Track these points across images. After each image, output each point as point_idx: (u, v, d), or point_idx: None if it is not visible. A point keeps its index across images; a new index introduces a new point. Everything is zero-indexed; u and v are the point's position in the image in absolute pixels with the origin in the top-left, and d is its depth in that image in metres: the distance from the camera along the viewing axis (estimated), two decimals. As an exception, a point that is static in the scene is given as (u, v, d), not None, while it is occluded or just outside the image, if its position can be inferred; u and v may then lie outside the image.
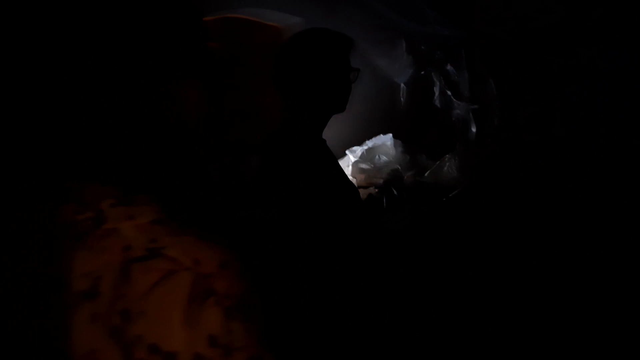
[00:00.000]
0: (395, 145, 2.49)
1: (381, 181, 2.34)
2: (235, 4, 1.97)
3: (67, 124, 0.52)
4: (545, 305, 2.05)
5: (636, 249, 2.10)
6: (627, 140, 2.43)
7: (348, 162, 2.42)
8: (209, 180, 1.49)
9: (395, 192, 2.25)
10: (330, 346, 1.21)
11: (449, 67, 2.59)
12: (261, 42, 1.84)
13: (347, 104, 1.35)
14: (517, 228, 2.28)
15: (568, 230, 2.25)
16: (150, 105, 0.55)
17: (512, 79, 2.62)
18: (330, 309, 1.21)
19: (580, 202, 2.32)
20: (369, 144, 2.49)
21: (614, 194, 2.31)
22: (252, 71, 1.80)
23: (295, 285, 1.20)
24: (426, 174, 2.45)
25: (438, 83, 2.59)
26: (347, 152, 2.46)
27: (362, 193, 2.20)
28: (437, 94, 2.61)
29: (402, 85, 2.65)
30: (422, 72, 2.62)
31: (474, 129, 2.56)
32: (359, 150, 2.46)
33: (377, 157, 2.44)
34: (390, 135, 2.51)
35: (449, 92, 2.59)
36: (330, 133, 1.40)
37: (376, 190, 2.30)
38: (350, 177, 2.31)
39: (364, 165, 2.40)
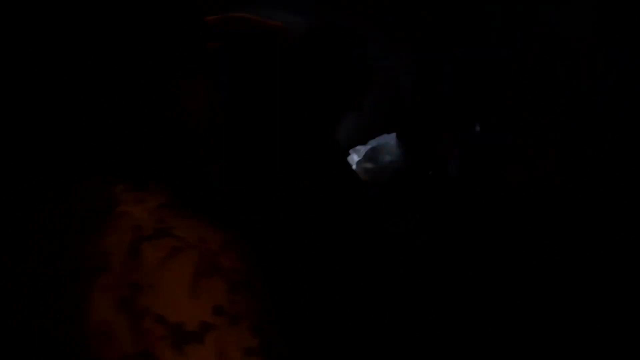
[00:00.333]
0: (399, 144, 2.50)
1: (385, 181, 2.35)
2: (236, 3, 1.96)
3: (67, 123, 0.52)
4: (545, 305, 2.05)
5: (636, 249, 2.10)
6: (627, 140, 2.43)
7: (352, 162, 2.43)
8: (209, 181, 1.49)
9: (399, 192, 2.25)
10: (331, 346, 1.21)
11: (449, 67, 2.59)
12: (266, 41, 1.84)
13: (362, 103, 1.34)
14: (517, 228, 2.28)
15: (568, 230, 2.25)
16: (150, 105, 0.55)
17: (513, 79, 2.61)
18: (330, 309, 1.21)
19: (580, 202, 2.32)
20: (373, 143, 2.49)
21: (614, 194, 2.31)
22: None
23: (295, 285, 1.20)
24: (429, 174, 2.45)
25: (441, 82, 2.59)
26: (350, 151, 2.47)
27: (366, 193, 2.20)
28: (441, 93, 2.61)
29: (407, 82, 2.65)
30: (425, 72, 2.62)
31: (476, 129, 2.56)
32: (362, 149, 2.47)
33: (380, 156, 2.44)
34: (394, 134, 2.52)
35: (451, 92, 2.59)
36: (335, 132, 1.40)
37: (379, 189, 2.30)
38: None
39: (367, 165, 2.41)
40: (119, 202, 0.55)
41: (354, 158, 2.42)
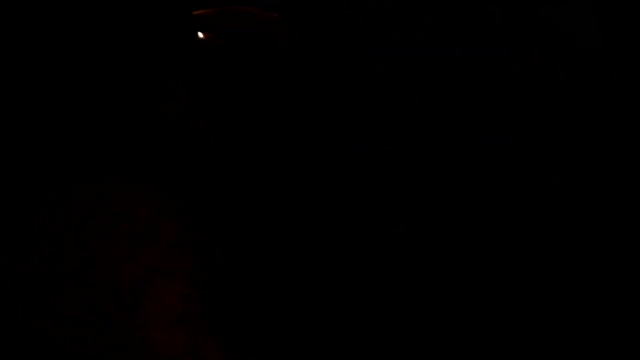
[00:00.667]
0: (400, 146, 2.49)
1: (383, 180, 2.34)
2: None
3: (67, 123, 0.52)
4: (545, 305, 2.05)
5: (636, 249, 2.10)
6: (627, 140, 2.44)
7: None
8: (209, 181, 1.49)
9: (399, 192, 2.25)
10: (330, 346, 1.21)
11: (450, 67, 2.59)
12: (259, 32, 1.84)
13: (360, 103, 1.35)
14: (517, 228, 2.28)
15: (568, 230, 2.25)
16: (150, 105, 0.55)
17: (513, 79, 2.62)
18: (330, 309, 1.21)
19: (580, 202, 2.32)
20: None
21: (614, 194, 2.32)
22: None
23: (295, 285, 1.20)
24: (428, 174, 2.44)
25: (442, 81, 2.59)
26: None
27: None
28: (441, 93, 2.61)
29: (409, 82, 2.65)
30: (427, 70, 2.61)
31: (476, 129, 2.56)
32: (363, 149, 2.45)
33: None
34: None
35: (450, 92, 2.59)
36: (336, 131, 1.40)
37: (379, 189, 2.30)
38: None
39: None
40: (118, 202, 0.56)
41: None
